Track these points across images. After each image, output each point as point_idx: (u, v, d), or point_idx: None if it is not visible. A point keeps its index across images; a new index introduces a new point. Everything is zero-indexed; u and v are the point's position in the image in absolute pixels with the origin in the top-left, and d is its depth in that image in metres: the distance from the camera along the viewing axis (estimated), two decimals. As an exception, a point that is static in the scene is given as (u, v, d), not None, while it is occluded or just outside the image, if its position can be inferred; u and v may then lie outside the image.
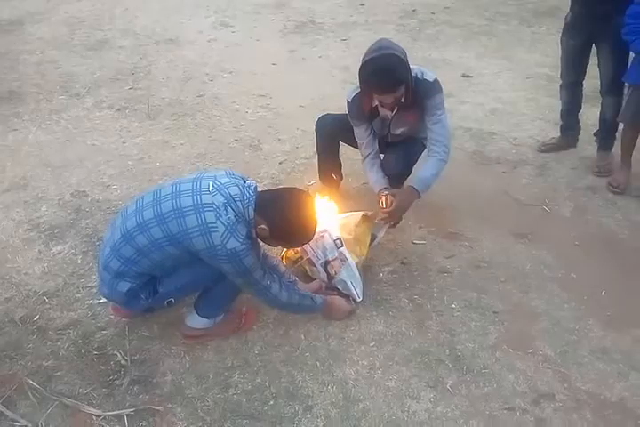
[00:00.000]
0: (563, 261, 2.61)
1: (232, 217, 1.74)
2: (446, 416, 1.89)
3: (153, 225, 1.78)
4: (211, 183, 1.80)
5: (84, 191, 2.92)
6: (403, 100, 2.36)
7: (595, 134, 3.35)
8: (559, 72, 3.25)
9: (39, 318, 2.16)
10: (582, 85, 3.23)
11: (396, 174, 2.70)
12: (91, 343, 2.08)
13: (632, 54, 2.80)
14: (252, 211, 1.79)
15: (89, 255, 2.49)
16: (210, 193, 1.77)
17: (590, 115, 3.48)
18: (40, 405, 1.85)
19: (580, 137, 3.45)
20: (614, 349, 2.17)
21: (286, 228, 1.81)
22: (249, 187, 1.83)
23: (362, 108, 2.44)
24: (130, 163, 3.21)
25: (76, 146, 3.33)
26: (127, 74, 4.29)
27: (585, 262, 2.60)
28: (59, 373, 1.97)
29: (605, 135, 3.26)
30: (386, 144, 2.65)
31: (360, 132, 2.57)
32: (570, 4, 3.01)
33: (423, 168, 2.46)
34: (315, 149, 2.87)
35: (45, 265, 2.42)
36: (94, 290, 2.29)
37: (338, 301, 2.21)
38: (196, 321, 2.07)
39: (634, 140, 3.04)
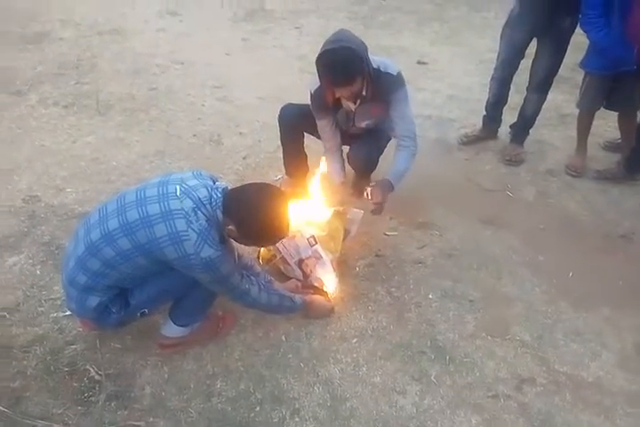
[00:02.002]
0: (529, 245, 2.67)
1: (203, 223, 1.64)
2: (434, 409, 1.90)
3: (119, 236, 1.67)
4: (178, 187, 1.69)
5: (37, 196, 2.74)
6: (364, 93, 2.32)
7: (510, 127, 3.38)
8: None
9: (1, 336, 2.01)
10: (512, 80, 3.22)
11: (363, 167, 2.68)
12: (60, 360, 1.95)
13: (587, 42, 2.86)
14: (219, 213, 1.70)
15: (48, 265, 2.35)
16: (178, 198, 1.66)
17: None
18: (11, 429, 1.74)
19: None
20: (586, 329, 2.24)
21: (254, 227, 1.71)
22: (217, 188, 1.73)
23: (324, 100, 2.39)
24: (83, 163, 3.04)
25: (22, 147, 3.12)
26: (71, 68, 4.06)
27: (550, 245, 2.67)
28: (28, 393, 1.84)
29: (522, 130, 3.31)
30: (350, 136, 2.61)
31: (322, 125, 2.52)
32: None
33: (396, 162, 2.44)
34: (279, 142, 2.80)
35: (2, 278, 2.26)
36: (58, 302, 2.16)
37: (317, 300, 2.18)
38: (172, 330, 1.98)
39: (589, 126, 3.13)
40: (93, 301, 1.77)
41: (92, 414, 1.80)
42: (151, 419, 1.80)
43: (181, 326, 1.97)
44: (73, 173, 2.95)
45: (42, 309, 2.15)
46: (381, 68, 2.32)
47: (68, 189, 2.82)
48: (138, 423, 1.78)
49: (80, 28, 4.72)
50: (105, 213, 1.73)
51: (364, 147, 2.59)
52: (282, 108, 2.67)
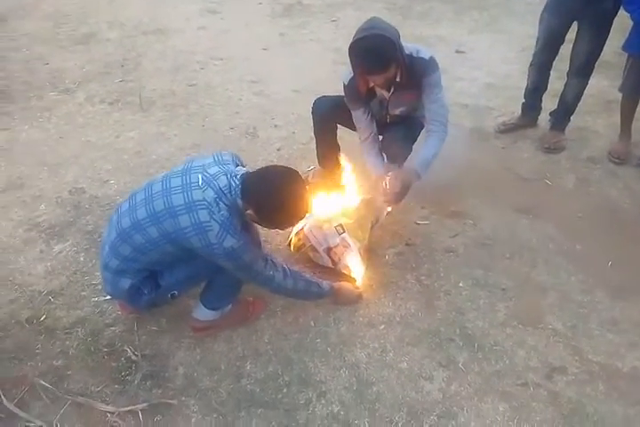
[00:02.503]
0: (567, 234, 2.60)
1: (225, 213, 1.69)
2: (460, 395, 1.89)
3: (148, 225, 1.75)
4: (200, 176, 1.74)
5: (82, 188, 2.88)
6: (398, 80, 2.32)
7: (550, 114, 3.28)
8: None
9: (46, 318, 2.15)
10: (552, 66, 3.13)
11: (396, 155, 2.67)
12: (100, 341, 2.07)
13: (631, 23, 2.75)
14: (239, 200, 1.74)
15: (91, 252, 2.47)
16: (200, 188, 1.71)
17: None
18: (53, 405, 1.85)
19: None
20: (623, 319, 2.17)
21: (271, 209, 1.74)
22: (235, 176, 1.75)
23: (358, 90, 2.39)
24: (125, 157, 3.17)
25: (70, 142, 3.29)
26: (117, 66, 4.22)
27: (589, 234, 2.59)
28: (69, 372, 1.96)
29: (562, 116, 3.20)
30: (384, 124, 2.61)
31: (357, 116, 2.53)
32: None
33: (423, 148, 2.42)
34: (312, 134, 2.83)
35: (48, 264, 2.40)
36: (99, 287, 2.27)
37: (345, 286, 2.20)
38: (203, 313, 2.06)
39: (633, 111, 3.01)
40: (126, 283, 1.87)
41: (127, 393, 1.90)
42: (183, 398, 1.88)
43: (212, 309, 2.04)
44: (116, 166, 3.08)
45: (84, 293, 2.27)
46: (413, 54, 2.31)
47: (111, 181, 2.95)
48: (171, 402, 1.86)
49: (125, 28, 4.90)
50: (134, 202, 1.82)
51: (398, 135, 2.58)
52: (315, 101, 2.70)
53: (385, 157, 2.63)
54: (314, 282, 2.07)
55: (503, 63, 4.13)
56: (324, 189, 2.54)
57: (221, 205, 1.70)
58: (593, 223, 2.65)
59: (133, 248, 1.80)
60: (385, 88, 2.38)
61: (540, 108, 3.33)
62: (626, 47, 2.84)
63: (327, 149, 2.81)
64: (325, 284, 2.11)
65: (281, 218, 1.79)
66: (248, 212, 1.75)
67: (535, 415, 1.83)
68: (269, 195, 1.71)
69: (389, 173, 2.37)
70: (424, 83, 2.35)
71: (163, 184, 1.78)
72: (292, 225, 2.06)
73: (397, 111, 2.51)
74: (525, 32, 4.49)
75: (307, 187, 1.79)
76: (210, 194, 1.70)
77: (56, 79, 4.00)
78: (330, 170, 2.82)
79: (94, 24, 5.01)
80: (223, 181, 1.73)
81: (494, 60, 4.20)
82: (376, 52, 2.14)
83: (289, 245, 2.39)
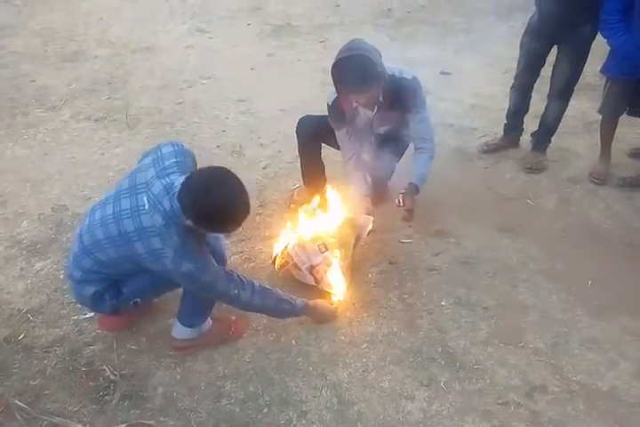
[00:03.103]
0: (548, 253, 2.63)
1: (176, 238, 1.68)
2: (441, 414, 1.89)
3: (107, 246, 1.78)
4: (145, 198, 1.71)
5: (65, 205, 2.88)
6: (381, 99, 2.36)
7: (532, 135, 3.35)
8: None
9: (24, 337, 2.12)
10: (533, 88, 3.19)
11: (381, 176, 2.70)
12: (78, 360, 2.04)
13: (608, 48, 2.82)
14: (185, 220, 1.68)
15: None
16: (147, 213, 1.70)
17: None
18: (29, 425, 1.82)
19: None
20: (603, 338, 2.19)
21: (208, 217, 1.66)
22: (174, 195, 1.67)
23: (341, 110, 2.43)
24: (110, 174, 3.17)
25: (54, 159, 3.28)
26: (104, 84, 4.24)
27: (570, 254, 2.62)
28: (47, 391, 1.93)
29: (543, 137, 3.26)
30: (369, 144, 2.64)
31: (341, 136, 2.56)
32: (536, 5, 2.94)
33: (417, 165, 2.47)
34: (297, 153, 2.86)
35: (28, 282, 2.38)
36: (79, 305, 2.25)
37: (321, 303, 2.19)
38: (181, 332, 2.05)
39: (612, 132, 3.07)
40: (89, 290, 1.90)
41: (105, 413, 1.87)
42: (162, 418, 1.86)
43: (189, 326, 2.03)
44: (100, 184, 3.08)
45: (64, 311, 2.25)
46: (396, 75, 2.36)
47: (95, 198, 2.92)
48: (149, 422, 1.84)
49: (114, 46, 4.93)
50: (93, 219, 1.83)
51: (382, 154, 2.61)
52: (299, 120, 2.73)
53: (369, 175, 2.66)
54: (285, 299, 2.03)
55: (487, 85, 4.21)
56: (308, 208, 2.55)
57: (172, 230, 1.68)
58: (574, 243, 2.68)
59: (95, 262, 1.83)
60: (369, 108, 2.42)
61: (522, 130, 3.40)
62: (604, 70, 2.92)
63: (311, 167, 2.83)
64: (299, 301, 2.08)
65: (221, 222, 1.70)
66: (187, 222, 1.68)
67: (516, 435, 1.83)
68: (205, 201, 1.63)
69: (401, 191, 2.40)
70: (409, 103, 2.39)
71: (114, 206, 1.78)
72: (236, 226, 1.81)
73: (382, 130, 2.55)
74: (509, 54, 4.54)
75: (240, 183, 1.72)
76: (158, 220, 1.68)
77: (42, 96, 4.02)
78: (314, 188, 2.84)
79: (83, 42, 5.05)
80: (167, 204, 1.68)
81: (478, 81, 4.28)
82: (358, 72, 2.19)
83: (273, 262, 2.39)
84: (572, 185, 3.12)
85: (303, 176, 2.89)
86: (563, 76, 2.99)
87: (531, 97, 3.24)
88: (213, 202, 1.63)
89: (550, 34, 2.89)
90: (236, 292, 1.86)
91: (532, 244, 2.68)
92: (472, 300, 2.34)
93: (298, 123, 2.73)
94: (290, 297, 2.06)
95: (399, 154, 2.69)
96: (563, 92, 3.05)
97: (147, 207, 1.71)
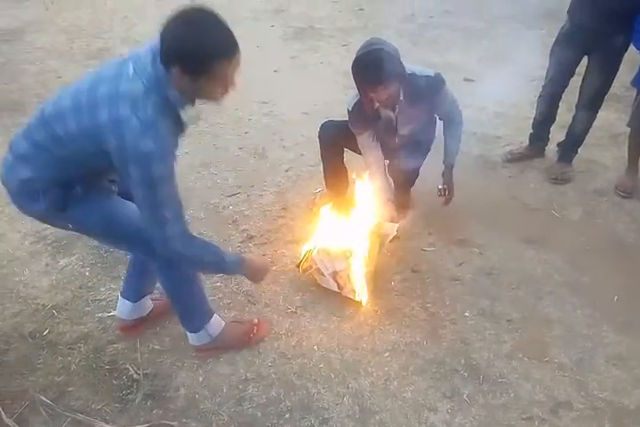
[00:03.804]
0: (573, 266, 2.60)
1: (151, 112, 1.46)
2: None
3: (71, 116, 1.53)
4: (131, 64, 1.51)
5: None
6: (402, 98, 2.34)
7: (558, 145, 3.31)
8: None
9: (49, 333, 2.14)
10: (561, 98, 3.17)
11: (404, 179, 2.70)
12: (102, 357, 2.05)
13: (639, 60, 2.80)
14: (169, 91, 1.49)
15: (97, 267, 2.47)
16: (129, 80, 1.48)
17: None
18: (53, 421, 1.83)
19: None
20: (630, 355, 2.16)
21: (195, 52, 1.43)
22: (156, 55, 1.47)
23: (363, 113, 2.42)
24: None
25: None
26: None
27: (595, 267, 2.59)
28: (71, 388, 1.94)
29: (570, 148, 3.23)
30: (393, 148, 2.63)
31: (363, 140, 2.55)
32: (569, 14, 2.92)
33: (447, 141, 2.57)
34: (320, 156, 2.85)
35: (53, 278, 2.40)
36: (104, 303, 2.27)
37: (257, 261, 1.97)
38: (194, 339, 2.02)
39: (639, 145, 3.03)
40: (25, 172, 1.62)
41: (128, 412, 1.88)
42: (184, 420, 1.86)
43: (193, 331, 2.00)
44: (124, 182, 3.09)
45: (88, 308, 2.26)
46: (417, 72, 2.35)
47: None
48: (171, 423, 1.85)
49: (139, 44, 4.96)
50: (65, 91, 1.60)
51: (405, 159, 2.61)
52: (321, 125, 2.73)
53: (392, 181, 2.66)
54: (221, 252, 1.75)
55: (512, 93, 4.15)
56: (331, 212, 2.54)
57: (149, 101, 1.47)
58: (599, 256, 2.65)
59: (49, 136, 1.58)
60: (389, 107, 2.39)
61: (548, 140, 3.37)
62: (635, 83, 2.89)
63: (334, 172, 2.83)
64: (234, 256, 1.84)
65: (208, 56, 1.46)
66: (174, 71, 1.45)
67: (540, 451, 1.81)
68: (185, 34, 1.43)
69: (441, 185, 2.64)
70: (434, 99, 2.39)
71: (94, 76, 1.56)
72: (223, 60, 1.53)
73: (406, 130, 2.53)
74: (534, 62, 4.54)
75: (221, 19, 1.50)
76: (139, 87, 1.47)
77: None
78: (337, 192, 2.83)
79: (108, 39, 5.08)
80: (151, 68, 1.48)
81: (503, 89, 4.23)
82: (376, 65, 2.18)
83: (297, 266, 2.38)
84: (597, 197, 3.08)
85: (326, 180, 2.88)
86: (592, 87, 2.96)
87: (558, 107, 3.22)
88: (195, 28, 1.43)
89: (582, 43, 2.87)
90: (168, 217, 1.56)
91: (556, 256, 2.65)
92: (496, 311, 2.32)
93: (320, 128, 2.73)
94: (224, 251, 1.78)
95: (423, 157, 2.68)
96: (592, 103, 3.02)
97: (131, 74, 1.49)
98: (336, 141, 2.70)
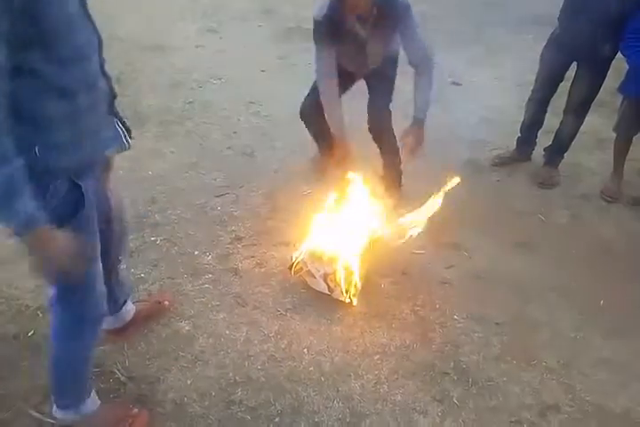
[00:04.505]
0: (561, 270, 2.62)
1: None
2: (455, 430, 1.87)
3: None
4: None
5: (75, 201, 2.84)
6: (374, 12, 2.34)
7: (545, 149, 3.35)
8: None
9: (33, 334, 2.08)
10: (549, 102, 3.21)
11: (381, 121, 2.72)
12: (88, 360, 2.00)
13: (627, 66, 2.84)
14: None
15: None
16: None
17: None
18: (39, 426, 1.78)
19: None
20: (616, 359, 2.18)
21: None
22: None
23: (333, 26, 2.38)
24: (120, 172, 3.13)
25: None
26: (113, 80, 4.16)
27: (582, 271, 2.62)
28: (55, 392, 1.89)
29: (556, 152, 3.28)
30: (363, 73, 2.70)
31: (324, 57, 2.50)
32: (559, 20, 2.96)
33: (417, 94, 2.52)
34: (310, 157, 2.85)
35: (37, 279, 2.34)
36: (89, 304, 2.22)
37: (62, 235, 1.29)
38: (57, 412, 1.71)
39: (626, 151, 3.09)
40: None
41: (115, 416, 1.83)
42: (172, 424, 1.83)
43: (63, 407, 1.70)
44: (111, 181, 3.03)
45: (73, 310, 2.20)
46: None
47: (105, 196, 2.90)
48: (159, 428, 1.81)
49: (124, 43, 4.88)
50: None
51: (380, 97, 2.69)
52: (300, 108, 2.85)
53: (369, 119, 2.71)
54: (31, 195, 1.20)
55: (499, 97, 4.21)
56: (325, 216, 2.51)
57: None
58: (586, 260, 2.68)
59: None
60: (365, 18, 2.37)
61: (535, 144, 3.40)
62: (622, 89, 2.93)
63: (322, 135, 2.82)
64: (39, 214, 1.22)
65: None
66: None
67: (529, 454, 1.82)
68: None
69: (403, 134, 2.55)
70: (401, 24, 2.40)
71: None
72: None
73: (375, 53, 2.54)
74: (522, 68, 4.60)
75: None
76: None
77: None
78: (329, 153, 2.78)
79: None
80: None
81: (491, 93, 4.28)
82: None
83: (290, 268, 2.36)
84: (583, 202, 3.12)
85: (318, 146, 2.95)
86: (580, 93, 3.00)
87: (547, 111, 3.25)
88: None
89: (571, 50, 2.90)
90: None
91: (543, 260, 2.67)
92: (484, 315, 2.33)
93: (300, 110, 2.83)
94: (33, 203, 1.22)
95: (389, 92, 2.72)
96: (579, 108, 3.06)
97: None
98: (315, 111, 2.69)
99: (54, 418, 1.74)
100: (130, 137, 1.42)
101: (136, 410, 1.81)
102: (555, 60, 2.99)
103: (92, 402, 1.73)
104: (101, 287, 1.58)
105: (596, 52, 2.81)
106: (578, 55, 2.90)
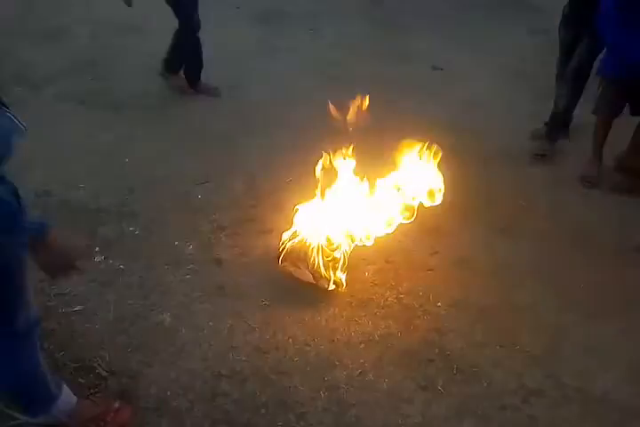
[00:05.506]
0: (541, 255, 2.64)
1: None
2: (440, 418, 1.88)
3: None
4: None
5: (50, 191, 2.75)
6: None
7: (545, 124, 3.42)
8: (534, 62, 3.28)
9: (10, 330, 2.02)
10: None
11: None
12: (67, 355, 1.96)
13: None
14: None
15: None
16: None
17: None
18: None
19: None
20: (597, 342, 2.21)
21: None
22: None
23: None
24: (96, 159, 3.06)
25: (37, 142, 3.13)
26: (88, 64, 4.06)
27: (563, 256, 2.64)
28: (34, 388, 1.85)
29: (552, 125, 3.36)
30: None
31: None
32: None
33: None
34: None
35: (12, 272, 2.27)
36: (67, 297, 2.17)
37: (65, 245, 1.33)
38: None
39: (605, 135, 3.10)
40: None
41: (96, 412, 1.80)
42: (156, 418, 1.80)
43: (33, 415, 1.65)
44: (86, 169, 2.96)
45: (51, 304, 2.15)
46: None
47: (81, 184, 2.83)
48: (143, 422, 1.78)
49: (99, 25, 4.72)
50: None
51: None
52: None
53: None
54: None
55: (481, 82, 4.19)
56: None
57: None
58: (566, 245, 2.70)
59: None
60: None
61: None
62: (599, 71, 2.95)
63: None
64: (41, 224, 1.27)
65: None
66: None
67: (513, 439, 1.84)
68: None
69: None
70: None
71: None
72: None
73: None
74: (503, 52, 4.60)
75: None
76: None
77: (24, 74, 3.83)
78: None
79: (67, 19, 4.83)
80: None
81: (472, 78, 4.26)
82: None
83: (277, 258, 2.32)
84: (564, 187, 3.14)
85: None
86: (577, 57, 3.08)
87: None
88: None
89: (577, 25, 3.01)
90: None
91: (525, 245, 2.69)
92: (468, 301, 2.34)
93: None
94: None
95: None
96: (575, 74, 3.12)
97: None
98: None
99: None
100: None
101: (117, 404, 1.77)
102: (564, 36, 3.14)
103: (66, 400, 1.67)
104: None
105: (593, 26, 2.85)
106: (583, 31, 2.98)
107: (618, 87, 2.90)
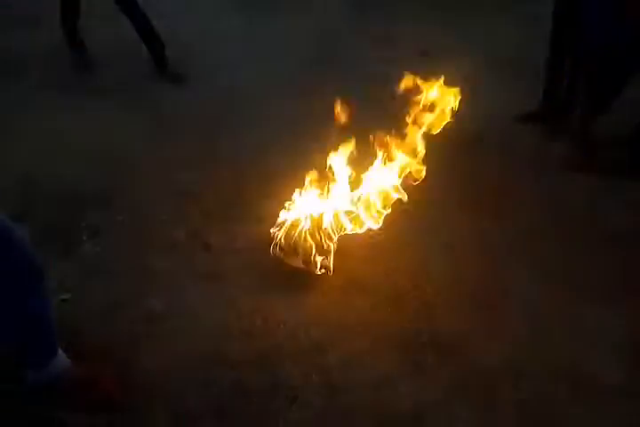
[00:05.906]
0: (529, 238, 2.65)
1: None
2: (431, 399, 1.89)
3: None
4: None
5: (34, 179, 2.70)
6: None
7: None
8: (519, 49, 3.26)
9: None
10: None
11: None
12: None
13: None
14: None
15: (43, 249, 2.31)
16: None
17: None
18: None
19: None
20: (583, 324, 2.23)
21: None
22: None
23: None
24: (81, 146, 3.00)
25: (20, 129, 3.07)
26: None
27: (550, 239, 2.65)
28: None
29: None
30: None
31: None
32: None
33: None
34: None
35: (-4, 261, 2.23)
36: (55, 286, 2.14)
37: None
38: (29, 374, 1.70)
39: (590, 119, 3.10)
40: None
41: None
42: (147, 406, 1.79)
43: (37, 368, 1.68)
44: (70, 156, 2.91)
45: (38, 292, 2.12)
46: None
47: (67, 172, 2.78)
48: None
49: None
50: None
51: None
52: None
53: None
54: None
55: (469, 67, 4.16)
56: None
57: None
58: (553, 229, 2.71)
59: None
60: None
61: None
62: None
63: None
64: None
65: None
66: None
67: (503, 421, 1.86)
68: None
69: None
70: None
71: None
72: None
73: None
74: (492, 36, 4.57)
75: None
76: None
77: (3, 61, 3.74)
78: None
79: (46, 4, 4.70)
80: None
81: (460, 63, 4.23)
82: None
83: (270, 244, 2.31)
84: (549, 169, 3.13)
85: None
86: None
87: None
88: None
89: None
90: None
91: (512, 229, 2.69)
92: (458, 281, 2.35)
93: None
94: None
95: None
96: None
97: None
98: None
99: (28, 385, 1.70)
100: None
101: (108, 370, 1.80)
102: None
103: (62, 359, 1.71)
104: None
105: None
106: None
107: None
